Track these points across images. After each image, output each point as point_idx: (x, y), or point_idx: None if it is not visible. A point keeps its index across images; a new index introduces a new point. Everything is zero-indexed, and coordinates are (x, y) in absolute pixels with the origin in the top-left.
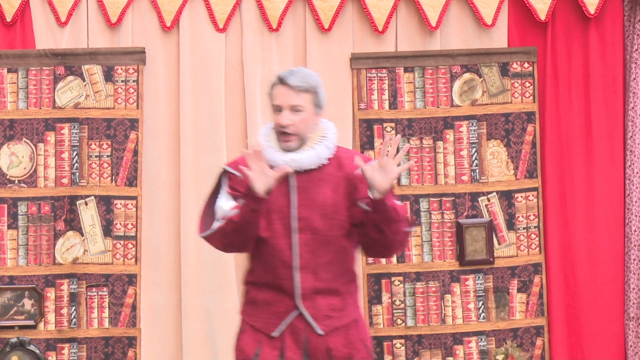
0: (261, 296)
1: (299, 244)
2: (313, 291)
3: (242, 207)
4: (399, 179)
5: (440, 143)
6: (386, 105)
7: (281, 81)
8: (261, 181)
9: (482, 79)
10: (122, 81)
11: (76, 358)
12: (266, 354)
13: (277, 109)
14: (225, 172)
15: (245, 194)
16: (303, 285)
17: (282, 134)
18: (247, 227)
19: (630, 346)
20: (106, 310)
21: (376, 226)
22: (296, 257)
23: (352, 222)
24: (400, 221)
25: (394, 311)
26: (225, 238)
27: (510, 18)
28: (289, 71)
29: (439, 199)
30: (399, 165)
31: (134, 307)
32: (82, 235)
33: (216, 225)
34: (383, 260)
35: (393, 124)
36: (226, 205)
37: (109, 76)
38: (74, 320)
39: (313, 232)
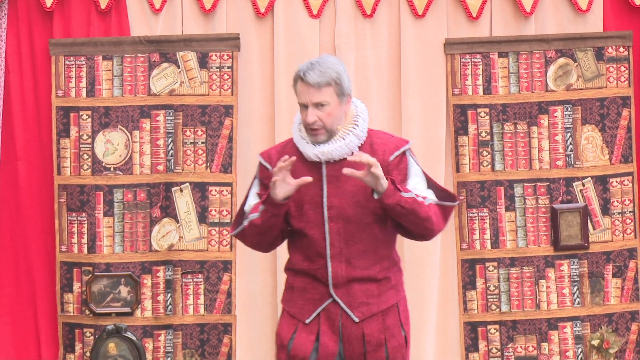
0: (297, 283)
1: (331, 233)
2: (347, 279)
3: (262, 211)
4: (492, 164)
5: (534, 128)
6: (480, 91)
7: (301, 78)
8: (281, 188)
9: (577, 64)
10: (216, 67)
11: (172, 345)
12: (302, 338)
13: (303, 107)
14: (259, 163)
15: (265, 200)
16: (336, 274)
17: (310, 129)
18: (269, 230)
19: None
20: (201, 297)
21: (394, 219)
22: (329, 246)
23: (379, 211)
24: (408, 214)
25: (489, 297)
26: (250, 239)
27: (605, 2)
28: (308, 65)
29: (534, 184)
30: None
31: (229, 294)
32: (177, 222)
33: (242, 225)
34: (477, 246)
35: (487, 109)
36: (253, 203)
37: (203, 63)
38: (170, 307)
39: (346, 220)
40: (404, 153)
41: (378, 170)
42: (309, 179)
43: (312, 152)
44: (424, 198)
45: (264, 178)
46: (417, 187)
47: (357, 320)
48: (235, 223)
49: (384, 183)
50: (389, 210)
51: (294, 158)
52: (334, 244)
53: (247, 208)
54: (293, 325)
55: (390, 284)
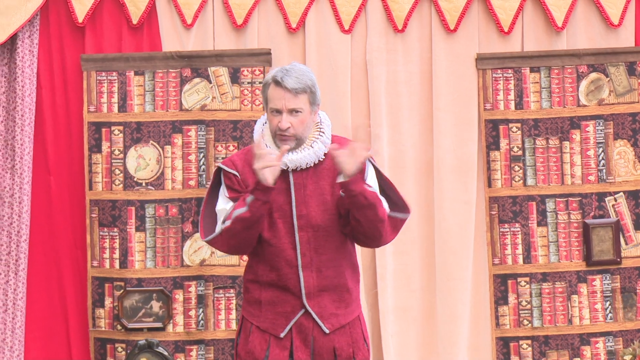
0: (265, 296)
1: (301, 242)
2: (319, 289)
3: (251, 202)
4: (524, 179)
5: (566, 143)
6: (512, 106)
7: (277, 83)
8: (268, 171)
9: (608, 79)
10: (248, 83)
11: (204, 359)
12: (276, 354)
13: (276, 112)
14: (220, 171)
15: (254, 188)
16: (308, 283)
17: (280, 135)
18: (257, 221)
19: None
20: (233, 311)
21: (351, 212)
22: (300, 256)
23: (340, 212)
24: (368, 207)
25: (521, 312)
26: (233, 238)
27: (637, 17)
28: (284, 71)
29: (566, 199)
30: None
31: None
32: None
33: (221, 227)
34: (509, 261)
35: (519, 124)
36: (227, 206)
37: (235, 78)
38: (202, 322)
39: (314, 229)
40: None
41: (363, 152)
42: (287, 147)
43: (281, 160)
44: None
45: (232, 184)
46: None
47: (327, 331)
48: (205, 228)
49: (358, 169)
50: (351, 198)
51: (287, 147)
52: (305, 253)
53: (218, 208)
54: (265, 342)
55: (356, 293)
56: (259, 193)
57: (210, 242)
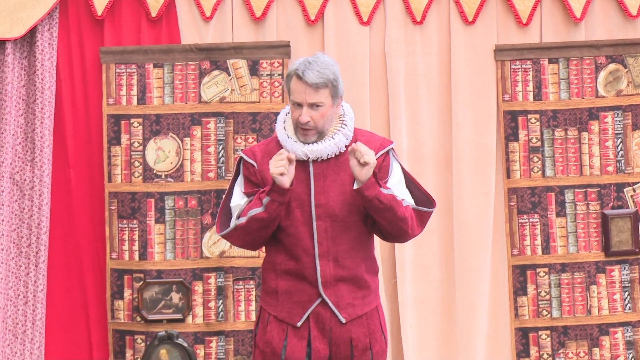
0: (282, 285)
1: (319, 231)
2: (335, 278)
3: (268, 203)
4: (543, 170)
5: (585, 134)
6: (530, 97)
7: (299, 77)
8: (285, 175)
9: (627, 70)
10: (267, 75)
11: (224, 351)
12: (293, 344)
13: (297, 105)
14: (241, 160)
15: (270, 189)
16: (325, 272)
17: (301, 128)
18: (273, 221)
19: None
20: (253, 303)
21: (371, 215)
22: (317, 245)
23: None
24: (386, 209)
25: (539, 302)
26: (248, 235)
27: None
28: (305, 64)
29: (584, 190)
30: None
31: None
32: None
33: (235, 222)
34: (528, 252)
35: (537, 115)
36: (241, 202)
37: (254, 70)
38: (221, 313)
39: (332, 218)
40: (387, 152)
41: (371, 159)
42: (293, 155)
43: (301, 150)
44: (402, 200)
45: (250, 175)
46: (396, 186)
47: (344, 321)
48: (221, 222)
49: (368, 176)
50: (367, 203)
51: (293, 156)
52: (322, 242)
53: (233, 204)
54: (283, 332)
55: (374, 286)
56: (276, 195)
57: (224, 237)
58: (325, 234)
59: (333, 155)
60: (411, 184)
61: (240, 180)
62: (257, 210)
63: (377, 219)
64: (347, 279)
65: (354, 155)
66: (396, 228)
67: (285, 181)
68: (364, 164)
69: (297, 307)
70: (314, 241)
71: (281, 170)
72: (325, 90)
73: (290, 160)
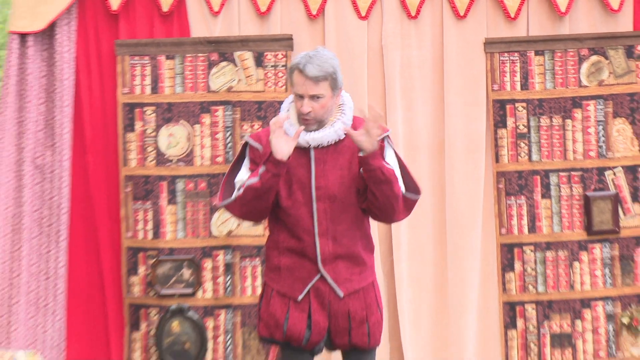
0: (284, 262)
1: (319, 211)
2: (334, 256)
3: (263, 173)
4: (529, 155)
5: (569, 121)
6: (518, 87)
7: (300, 70)
8: (283, 144)
9: (608, 61)
10: (271, 66)
11: (231, 323)
12: (295, 317)
13: (299, 96)
14: (247, 144)
15: (267, 160)
16: (324, 250)
17: (303, 118)
18: (267, 192)
19: None
20: (258, 278)
21: (369, 187)
22: (317, 224)
23: (358, 188)
24: (385, 182)
25: (526, 278)
26: (245, 206)
27: (635, 3)
28: (307, 58)
29: (568, 173)
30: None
31: None
32: None
33: (236, 194)
34: (515, 231)
35: (524, 104)
36: (245, 177)
37: (259, 62)
38: (229, 288)
39: (331, 200)
40: (383, 139)
41: (377, 130)
42: (302, 127)
43: (303, 138)
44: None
45: (255, 158)
46: None
47: (342, 295)
48: (223, 194)
49: (375, 146)
50: (370, 173)
51: (302, 128)
52: (321, 222)
53: (237, 179)
54: (285, 305)
55: (370, 262)
56: (271, 165)
57: (226, 208)
58: (324, 214)
59: (333, 142)
60: (402, 170)
61: (246, 162)
62: (253, 180)
63: (374, 191)
64: (345, 256)
65: (365, 126)
66: (388, 205)
67: (283, 150)
68: (372, 129)
69: (298, 282)
70: (314, 221)
71: (282, 135)
72: (325, 82)
73: (279, 125)
